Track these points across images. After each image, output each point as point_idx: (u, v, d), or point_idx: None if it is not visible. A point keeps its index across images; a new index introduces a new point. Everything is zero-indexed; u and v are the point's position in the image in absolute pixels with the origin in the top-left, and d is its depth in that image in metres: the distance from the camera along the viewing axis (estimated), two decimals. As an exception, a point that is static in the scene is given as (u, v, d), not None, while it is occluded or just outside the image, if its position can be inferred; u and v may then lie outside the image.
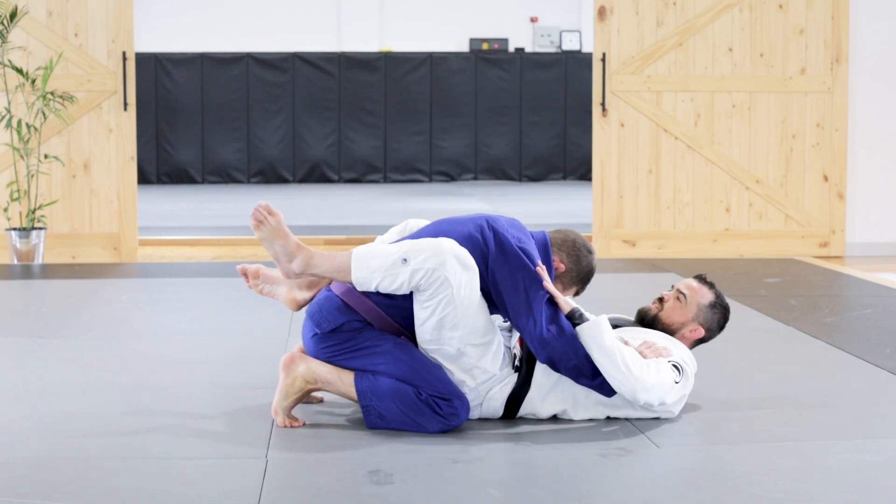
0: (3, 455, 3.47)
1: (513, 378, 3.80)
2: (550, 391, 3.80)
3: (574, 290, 3.91)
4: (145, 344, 5.10)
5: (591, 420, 3.83)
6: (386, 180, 17.12)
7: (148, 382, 4.38)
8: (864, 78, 8.52)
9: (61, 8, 8.19)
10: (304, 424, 3.78)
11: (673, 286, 4.00)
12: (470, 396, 3.77)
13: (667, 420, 3.81)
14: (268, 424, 3.80)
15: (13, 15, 7.84)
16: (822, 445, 3.60)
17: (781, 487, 3.21)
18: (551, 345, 3.66)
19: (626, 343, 3.79)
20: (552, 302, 3.71)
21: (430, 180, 17.19)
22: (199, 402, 4.08)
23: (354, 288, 3.72)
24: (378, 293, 3.70)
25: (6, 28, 7.85)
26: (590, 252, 3.90)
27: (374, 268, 3.64)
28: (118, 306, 6.08)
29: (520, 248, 3.73)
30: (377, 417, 3.72)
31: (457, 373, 3.74)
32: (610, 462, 3.43)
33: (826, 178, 8.50)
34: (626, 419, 3.83)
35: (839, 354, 4.91)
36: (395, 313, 3.74)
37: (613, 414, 3.82)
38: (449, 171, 17.14)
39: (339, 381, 3.76)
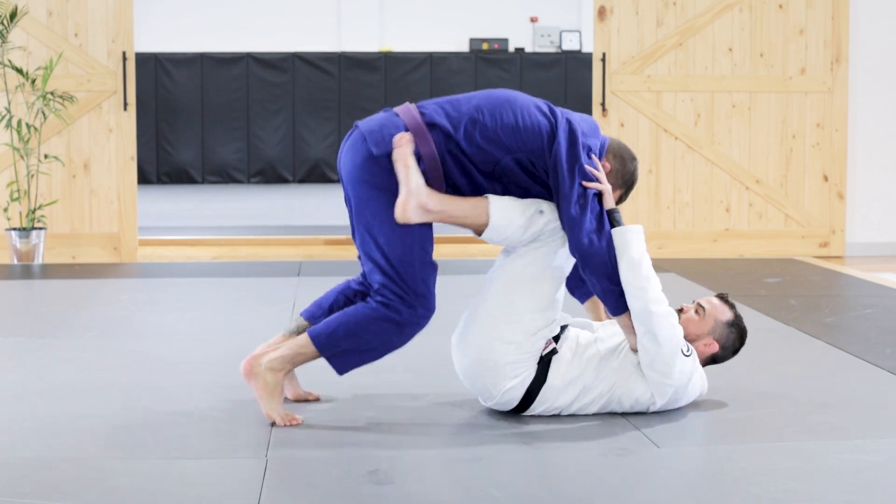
0: (3, 455, 3.47)
1: (533, 370, 3.80)
2: (563, 391, 3.82)
3: (618, 193, 3.94)
4: (145, 344, 5.10)
5: (591, 419, 3.83)
6: (386, 180, 17.10)
7: (148, 382, 4.38)
8: (864, 78, 8.52)
9: (61, 8, 8.19)
10: (303, 422, 3.78)
11: (694, 300, 4.02)
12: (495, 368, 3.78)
13: (667, 420, 3.81)
14: (268, 424, 3.80)
15: (13, 15, 7.84)
16: (822, 445, 3.60)
17: (781, 487, 3.21)
18: (590, 238, 3.72)
19: None
20: (601, 200, 3.78)
21: (430, 180, 17.18)
22: (199, 402, 4.07)
23: (424, 123, 3.72)
24: (459, 166, 3.75)
25: (6, 28, 7.85)
26: (634, 159, 3.95)
27: (512, 217, 3.74)
28: (118, 306, 6.08)
29: (584, 142, 3.77)
30: (346, 360, 3.75)
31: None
32: (610, 462, 3.43)
33: (826, 178, 8.50)
34: (625, 418, 3.83)
35: (839, 354, 4.91)
36: (454, 180, 3.76)
37: (620, 397, 3.82)
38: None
39: (301, 350, 3.76)
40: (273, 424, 3.76)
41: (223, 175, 16.96)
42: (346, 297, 4.00)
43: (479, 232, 3.80)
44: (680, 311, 3.96)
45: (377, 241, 3.72)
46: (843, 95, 8.46)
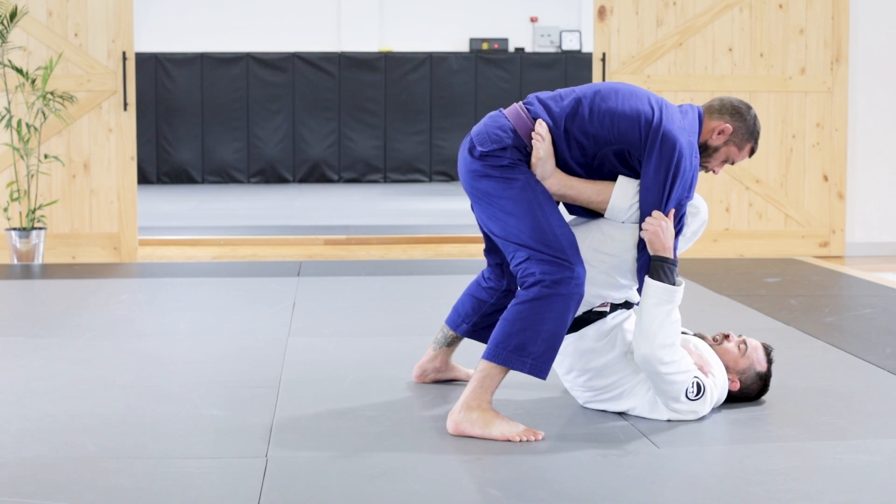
0: (3, 455, 3.47)
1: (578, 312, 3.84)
2: (582, 354, 3.85)
3: (749, 146, 3.91)
4: (145, 344, 5.10)
5: (590, 419, 3.83)
6: (386, 180, 17.12)
7: (148, 382, 4.38)
8: (864, 78, 8.52)
9: (61, 8, 8.19)
10: (543, 437, 3.67)
11: (741, 334, 4.06)
12: None
13: (666, 420, 3.81)
14: (268, 424, 3.80)
15: (13, 15, 7.84)
16: (822, 445, 3.60)
17: (781, 487, 3.21)
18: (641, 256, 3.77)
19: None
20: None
21: (430, 180, 17.19)
22: (198, 402, 4.08)
23: (530, 119, 3.78)
24: (560, 160, 3.79)
25: (6, 28, 7.85)
26: (749, 108, 3.91)
27: (637, 200, 3.77)
28: (118, 306, 6.08)
29: (676, 169, 3.73)
30: (540, 363, 3.66)
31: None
32: (610, 462, 3.43)
33: (826, 178, 8.50)
34: (625, 419, 3.83)
35: (839, 354, 4.91)
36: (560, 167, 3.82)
37: (620, 396, 3.83)
38: (449, 171, 17.14)
39: (487, 376, 3.67)
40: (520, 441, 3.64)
41: (223, 175, 16.96)
42: (479, 299, 4.12)
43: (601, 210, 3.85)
44: (726, 337, 3.99)
45: (509, 225, 3.75)
46: (843, 95, 8.45)
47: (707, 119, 3.88)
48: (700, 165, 3.89)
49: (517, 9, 17.73)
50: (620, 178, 3.80)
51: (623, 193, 3.78)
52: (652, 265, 3.74)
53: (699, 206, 3.92)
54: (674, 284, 3.73)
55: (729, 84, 8.41)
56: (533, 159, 3.78)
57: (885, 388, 4.34)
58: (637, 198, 3.78)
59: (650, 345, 3.68)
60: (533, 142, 3.77)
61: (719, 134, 3.87)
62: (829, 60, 8.44)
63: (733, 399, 4.00)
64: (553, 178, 3.79)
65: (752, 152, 3.94)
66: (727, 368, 3.95)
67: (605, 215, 3.84)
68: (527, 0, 17.75)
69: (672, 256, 3.74)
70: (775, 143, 8.48)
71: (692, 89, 8.41)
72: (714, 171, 3.95)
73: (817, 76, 8.45)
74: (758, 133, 3.92)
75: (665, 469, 3.40)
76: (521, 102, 3.87)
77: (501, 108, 3.92)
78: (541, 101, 3.84)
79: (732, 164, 3.95)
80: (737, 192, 8.48)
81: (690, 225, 3.90)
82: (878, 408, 4.06)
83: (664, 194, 3.73)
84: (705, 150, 3.88)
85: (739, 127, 3.88)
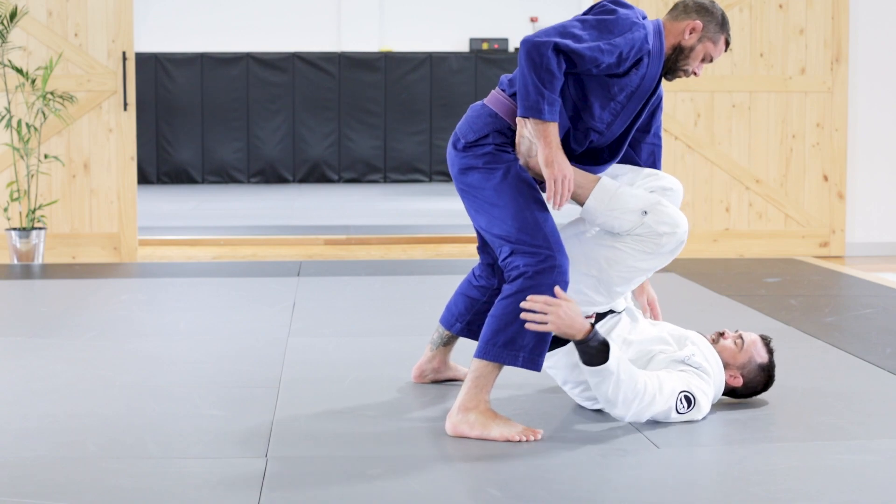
0: (3, 455, 3.47)
1: None
2: (566, 367, 3.86)
3: (723, 39, 3.83)
4: (145, 344, 5.10)
5: (591, 420, 3.83)
6: (386, 180, 17.12)
7: (148, 382, 4.38)
8: (864, 78, 8.52)
9: (61, 8, 8.19)
10: (541, 435, 3.65)
11: (736, 330, 4.03)
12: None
13: (666, 420, 3.81)
14: (268, 424, 3.80)
15: (13, 15, 7.84)
16: (822, 445, 3.60)
17: (781, 487, 3.21)
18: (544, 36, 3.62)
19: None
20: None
21: (430, 180, 17.19)
22: (199, 402, 4.08)
23: (507, 98, 3.75)
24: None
25: (6, 28, 7.85)
26: (713, 2, 3.86)
27: (613, 206, 3.71)
28: (118, 306, 6.08)
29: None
30: (533, 355, 3.62)
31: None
32: (610, 462, 3.43)
33: (826, 178, 8.50)
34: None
35: (839, 354, 4.91)
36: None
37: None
38: (449, 171, 17.12)
39: (481, 375, 3.65)
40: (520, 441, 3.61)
41: (223, 175, 16.97)
42: (471, 298, 4.11)
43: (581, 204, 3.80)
44: (721, 335, 3.97)
45: (493, 216, 3.72)
46: (843, 95, 8.45)
47: (673, 22, 3.81)
48: (680, 69, 3.82)
49: (517, 9, 17.73)
50: (603, 179, 3.77)
51: (599, 196, 3.74)
52: (578, 351, 3.62)
53: (678, 223, 3.74)
54: (605, 360, 3.57)
55: (729, 84, 8.41)
56: (517, 137, 3.74)
57: (885, 388, 4.34)
58: (614, 209, 3.73)
59: (619, 411, 3.68)
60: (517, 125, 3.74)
61: (691, 32, 3.79)
62: (829, 60, 8.45)
63: (740, 395, 3.99)
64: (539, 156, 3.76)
65: (727, 45, 3.87)
66: (726, 365, 3.94)
67: (580, 213, 3.81)
68: (527, 0, 17.75)
69: (586, 335, 3.56)
70: (775, 143, 8.48)
71: (692, 89, 8.41)
72: (696, 73, 3.86)
73: (817, 76, 8.45)
74: (728, 25, 3.85)
75: (665, 469, 3.40)
76: (496, 88, 3.85)
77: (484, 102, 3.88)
78: (511, 79, 3.83)
79: (711, 61, 3.86)
80: (737, 192, 8.48)
81: (665, 244, 3.74)
82: (878, 408, 4.06)
83: (581, 24, 3.63)
84: (682, 52, 3.81)
85: (709, 21, 3.81)
